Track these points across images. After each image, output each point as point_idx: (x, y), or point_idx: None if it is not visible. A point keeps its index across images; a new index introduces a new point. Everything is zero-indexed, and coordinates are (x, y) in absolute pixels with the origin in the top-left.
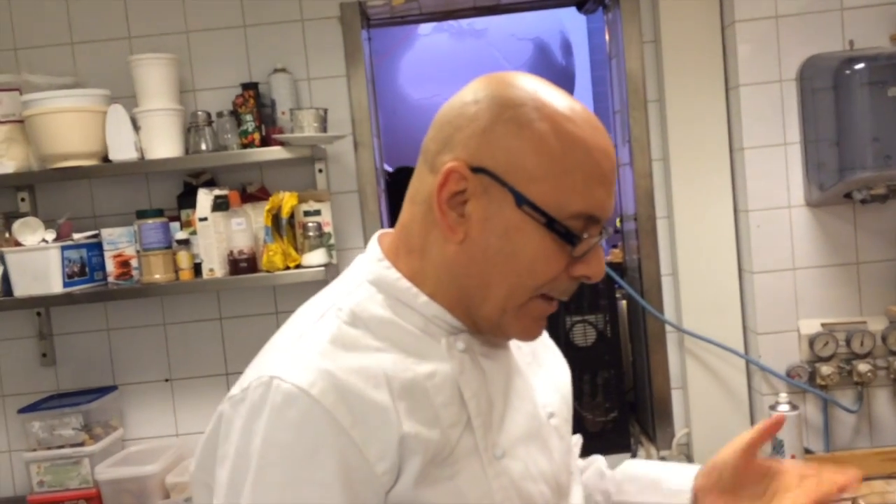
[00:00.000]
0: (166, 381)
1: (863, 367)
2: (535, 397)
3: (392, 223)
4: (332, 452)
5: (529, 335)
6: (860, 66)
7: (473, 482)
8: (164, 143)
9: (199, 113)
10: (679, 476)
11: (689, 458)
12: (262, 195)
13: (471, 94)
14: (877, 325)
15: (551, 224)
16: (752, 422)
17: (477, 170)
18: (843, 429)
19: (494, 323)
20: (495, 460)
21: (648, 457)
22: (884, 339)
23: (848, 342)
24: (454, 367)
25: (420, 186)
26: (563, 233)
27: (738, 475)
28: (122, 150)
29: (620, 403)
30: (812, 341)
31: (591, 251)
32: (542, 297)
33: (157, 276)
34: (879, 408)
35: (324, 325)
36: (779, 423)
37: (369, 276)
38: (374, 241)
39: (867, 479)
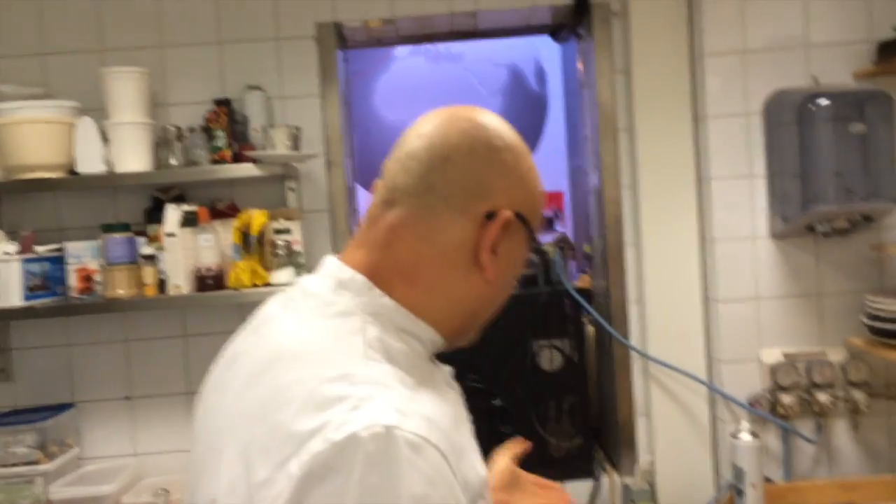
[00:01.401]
0: (126, 398)
1: (822, 397)
2: None
3: None
4: (455, 498)
5: None
6: (824, 102)
7: None
8: (134, 157)
9: (170, 127)
10: None
11: (652, 486)
12: (231, 212)
13: (488, 138)
14: (836, 355)
15: (540, 253)
16: (715, 450)
17: (519, 216)
18: (803, 458)
19: (471, 335)
20: (488, 481)
21: (612, 487)
22: (843, 370)
23: (808, 372)
24: (458, 394)
25: (446, 227)
26: (541, 250)
27: None
28: (90, 162)
29: (585, 429)
30: (774, 371)
31: None
32: None
33: (121, 292)
34: (838, 438)
35: (379, 367)
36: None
37: (370, 308)
38: (344, 268)
39: None
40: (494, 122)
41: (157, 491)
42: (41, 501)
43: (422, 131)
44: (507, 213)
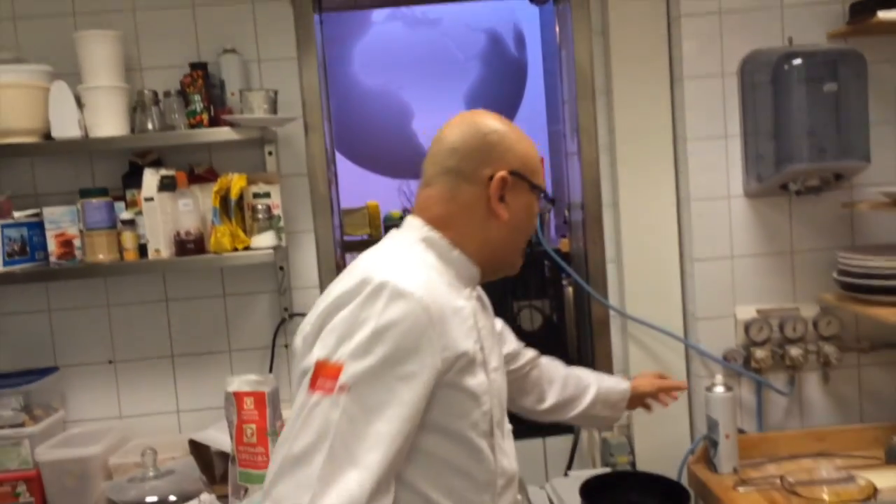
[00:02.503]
0: (110, 362)
1: (795, 351)
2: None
3: None
4: (426, 339)
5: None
6: (797, 62)
7: (483, 382)
8: (109, 122)
9: (146, 91)
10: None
11: (630, 440)
12: (210, 176)
13: (479, 128)
14: (808, 311)
15: (546, 196)
16: (690, 404)
17: (513, 173)
18: (775, 410)
19: (513, 263)
20: (493, 371)
21: (591, 441)
22: (815, 324)
23: (781, 328)
24: (474, 306)
25: (462, 195)
26: (550, 199)
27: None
28: (66, 127)
29: None
30: (748, 326)
31: None
32: None
33: (101, 257)
34: (809, 390)
35: (412, 252)
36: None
37: (421, 235)
38: (412, 218)
39: (796, 457)
40: (483, 117)
41: (144, 451)
42: (28, 463)
43: (439, 136)
44: (501, 173)
